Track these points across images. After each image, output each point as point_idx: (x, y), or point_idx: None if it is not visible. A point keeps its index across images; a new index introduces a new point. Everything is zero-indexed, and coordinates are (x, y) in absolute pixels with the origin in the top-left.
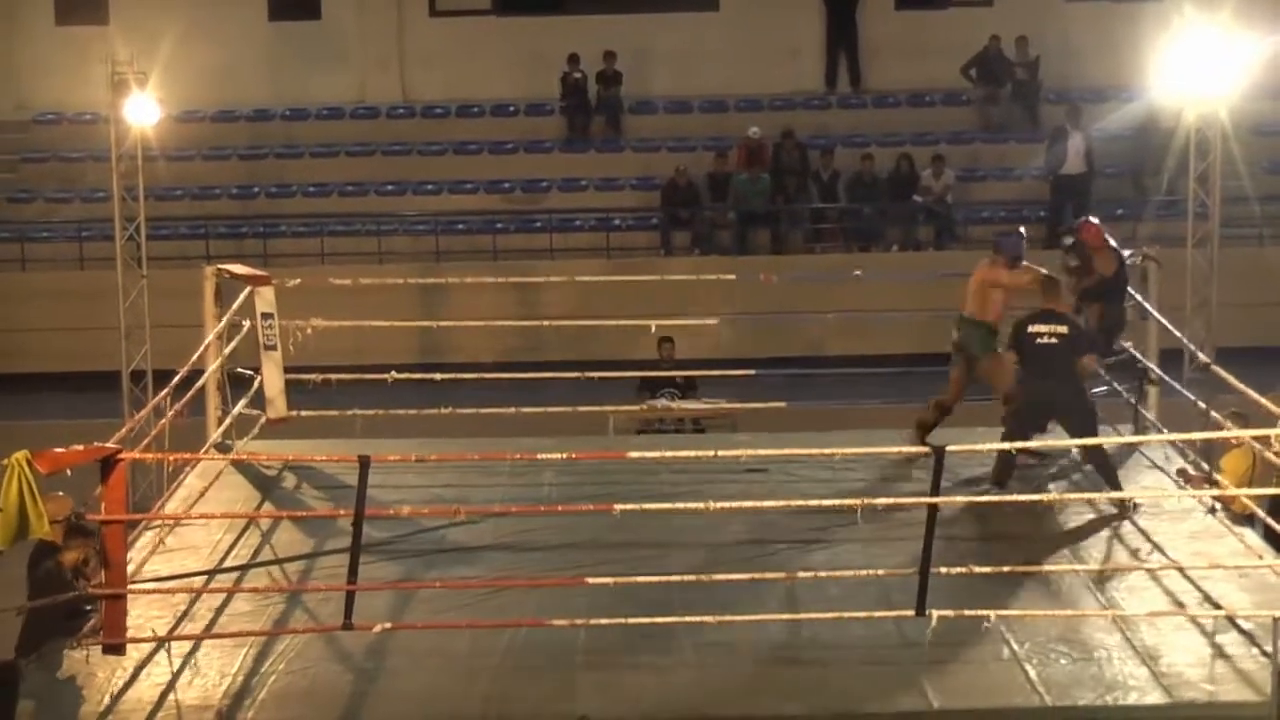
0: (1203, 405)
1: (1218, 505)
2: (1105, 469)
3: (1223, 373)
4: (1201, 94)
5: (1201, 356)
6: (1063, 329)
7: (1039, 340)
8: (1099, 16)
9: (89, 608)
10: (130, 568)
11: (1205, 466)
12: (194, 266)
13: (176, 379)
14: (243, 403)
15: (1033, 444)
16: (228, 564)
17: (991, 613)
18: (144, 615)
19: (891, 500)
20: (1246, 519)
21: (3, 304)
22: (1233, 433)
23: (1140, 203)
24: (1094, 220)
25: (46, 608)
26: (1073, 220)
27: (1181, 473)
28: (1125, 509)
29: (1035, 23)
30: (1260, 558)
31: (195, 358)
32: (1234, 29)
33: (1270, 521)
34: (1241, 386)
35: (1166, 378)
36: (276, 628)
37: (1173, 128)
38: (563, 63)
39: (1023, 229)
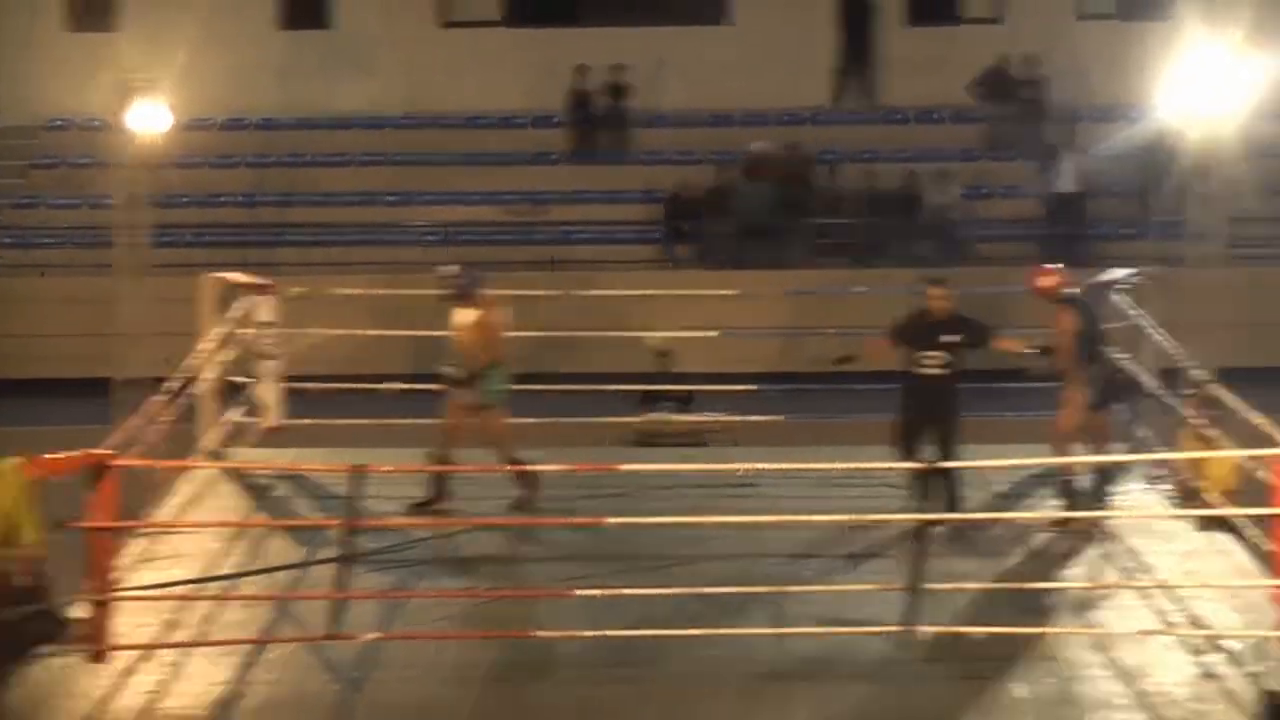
0: (1199, 424)
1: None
2: None
3: (1220, 391)
4: (1208, 114)
5: (1196, 374)
6: None
7: None
8: (1109, 35)
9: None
10: (118, 575)
11: (1195, 485)
12: (200, 274)
13: (171, 386)
14: (238, 410)
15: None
16: (217, 572)
17: (980, 630)
18: (131, 623)
19: (883, 516)
20: (1219, 523)
21: (10, 309)
22: (1227, 452)
23: (1144, 222)
24: (1049, 268)
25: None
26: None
27: (1175, 488)
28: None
29: (1046, 41)
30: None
31: (189, 364)
32: (1242, 49)
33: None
34: (1236, 404)
35: (1164, 394)
36: (264, 636)
37: (1178, 147)
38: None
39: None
